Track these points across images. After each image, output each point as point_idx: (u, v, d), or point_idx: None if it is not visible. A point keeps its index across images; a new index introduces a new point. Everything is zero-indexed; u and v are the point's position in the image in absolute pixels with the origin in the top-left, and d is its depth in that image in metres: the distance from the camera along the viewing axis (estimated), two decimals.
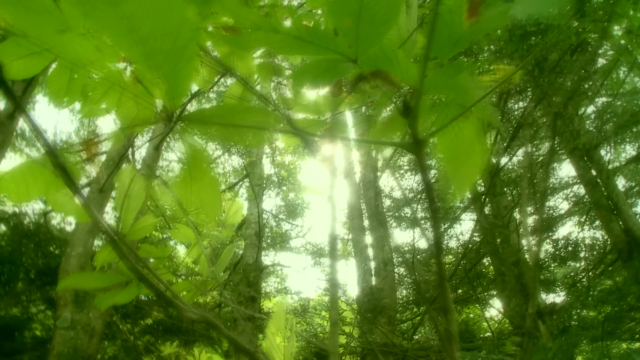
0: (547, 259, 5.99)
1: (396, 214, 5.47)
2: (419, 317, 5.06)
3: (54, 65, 0.78)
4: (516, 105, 5.52)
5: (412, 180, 5.94)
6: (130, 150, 5.49)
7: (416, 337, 5.34)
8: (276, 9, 1.88)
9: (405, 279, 5.63)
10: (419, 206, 5.45)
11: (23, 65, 0.71)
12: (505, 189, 5.19)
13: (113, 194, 5.71)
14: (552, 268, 6.20)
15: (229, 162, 9.38)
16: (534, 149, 5.00)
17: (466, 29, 0.61)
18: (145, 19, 0.55)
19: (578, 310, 4.82)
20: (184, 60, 0.61)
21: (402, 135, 0.86)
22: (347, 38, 0.64)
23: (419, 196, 5.48)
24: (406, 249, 5.61)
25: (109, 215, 6.48)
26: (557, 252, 6.07)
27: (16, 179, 0.72)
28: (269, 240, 8.18)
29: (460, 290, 5.34)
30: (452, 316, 0.74)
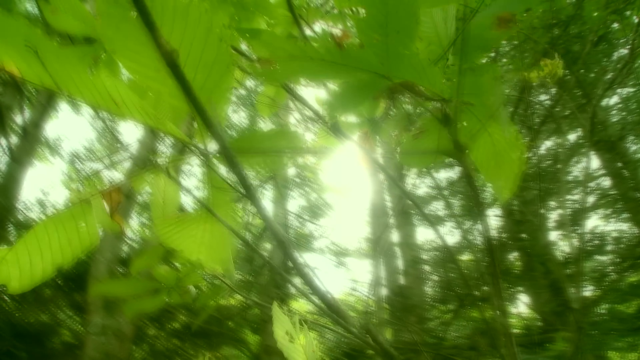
0: (573, 253, 5.90)
1: (423, 212, 5.45)
2: (450, 315, 5.03)
3: None
4: (538, 99, 5.45)
5: (437, 179, 5.93)
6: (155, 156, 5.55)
7: (447, 335, 5.30)
8: (308, 12, 1.87)
9: (433, 276, 5.60)
10: (444, 204, 5.44)
11: None
12: (530, 183, 5.13)
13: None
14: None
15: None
16: (561, 141, 4.95)
17: (493, 36, 0.63)
18: (185, 50, 0.54)
19: (608, 305, 4.74)
20: (221, 91, 0.60)
21: (436, 143, 0.84)
22: (378, 54, 0.63)
23: (444, 194, 5.47)
24: (434, 246, 5.59)
25: (134, 221, 6.54)
26: (583, 246, 5.97)
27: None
28: (293, 241, 8.21)
29: (486, 287, 5.29)
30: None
